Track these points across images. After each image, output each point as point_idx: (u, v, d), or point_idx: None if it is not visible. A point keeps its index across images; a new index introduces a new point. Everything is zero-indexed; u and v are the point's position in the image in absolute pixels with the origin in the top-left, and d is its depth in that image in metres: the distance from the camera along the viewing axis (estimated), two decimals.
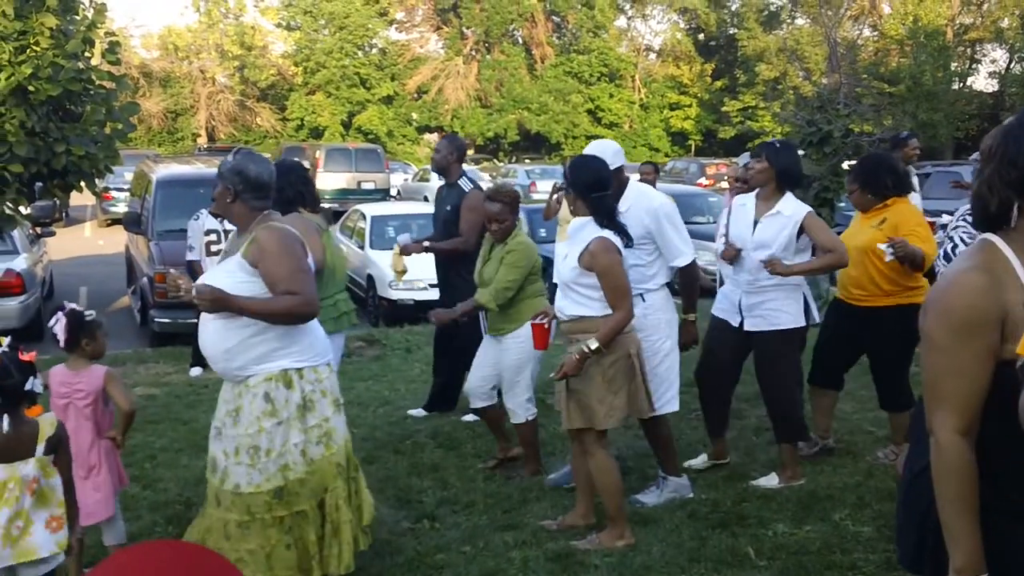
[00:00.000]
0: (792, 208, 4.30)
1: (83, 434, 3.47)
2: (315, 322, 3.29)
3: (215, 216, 7.43)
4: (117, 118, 7.84)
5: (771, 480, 4.47)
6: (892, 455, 4.82)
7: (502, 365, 4.60)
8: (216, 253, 7.44)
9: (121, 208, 18.29)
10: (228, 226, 7.49)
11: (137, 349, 8.54)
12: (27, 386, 2.81)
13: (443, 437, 5.30)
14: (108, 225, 20.08)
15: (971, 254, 1.82)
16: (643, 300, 4.11)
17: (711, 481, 4.54)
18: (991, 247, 1.79)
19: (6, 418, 2.78)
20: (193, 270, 7.52)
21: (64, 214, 19.45)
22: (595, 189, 3.75)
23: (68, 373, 3.48)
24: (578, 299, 3.74)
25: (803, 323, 4.38)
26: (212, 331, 3.20)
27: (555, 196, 5.06)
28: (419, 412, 5.90)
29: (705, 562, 3.64)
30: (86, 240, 18.36)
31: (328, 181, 21.92)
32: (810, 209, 4.34)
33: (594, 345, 3.60)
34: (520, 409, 4.60)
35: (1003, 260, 1.75)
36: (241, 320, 3.12)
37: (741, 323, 4.42)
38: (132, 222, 9.95)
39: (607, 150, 4.23)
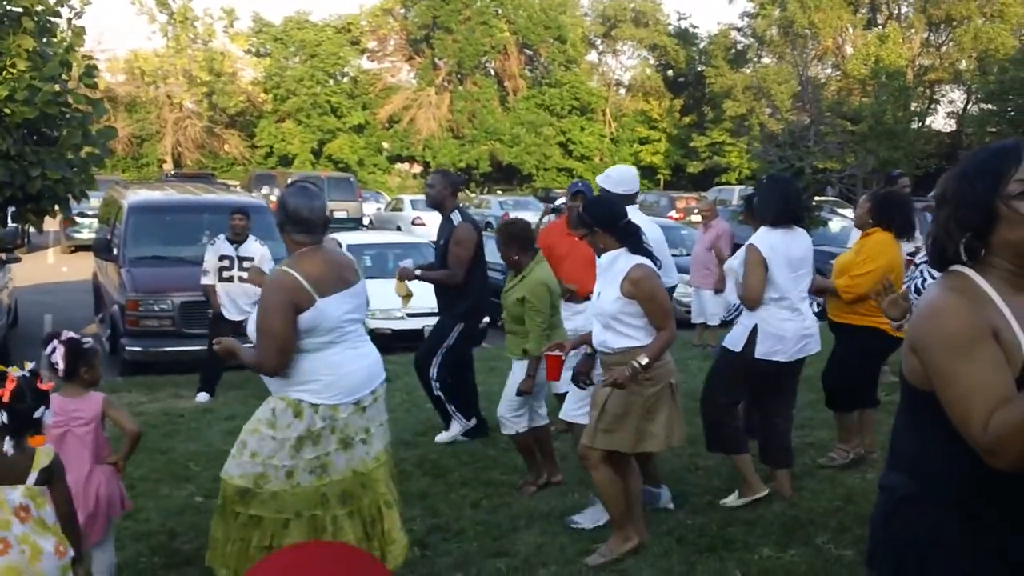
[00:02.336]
0: (752, 240, 4.49)
1: (82, 461, 3.42)
2: (346, 361, 3.27)
3: (231, 242, 7.44)
4: (93, 142, 7.78)
5: (735, 499, 4.57)
6: (839, 455, 5.17)
7: (511, 383, 4.76)
8: (229, 279, 7.40)
9: (85, 234, 18.05)
10: (242, 252, 7.47)
11: (107, 379, 8.39)
12: (36, 413, 2.80)
13: (429, 465, 5.29)
14: (72, 251, 19.76)
15: (942, 282, 1.81)
16: None
17: (697, 506, 4.58)
18: (962, 276, 1.80)
19: (8, 440, 2.76)
20: (208, 294, 7.46)
21: (26, 240, 19.14)
22: (618, 219, 3.85)
23: (65, 400, 3.40)
24: (623, 330, 3.77)
25: (736, 349, 4.48)
26: None
27: (546, 218, 5.19)
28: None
29: None
30: (49, 267, 18.04)
31: None
32: (751, 243, 4.46)
33: (645, 361, 3.65)
34: (509, 422, 4.78)
35: (976, 286, 1.76)
36: None
37: None
38: (102, 248, 9.82)
39: (627, 175, 4.56)
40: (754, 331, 4.40)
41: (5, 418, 2.75)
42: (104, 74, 40.41)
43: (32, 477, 2.79)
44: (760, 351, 4.39)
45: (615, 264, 3.82)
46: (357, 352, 3.32)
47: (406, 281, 5.67)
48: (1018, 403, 1.60)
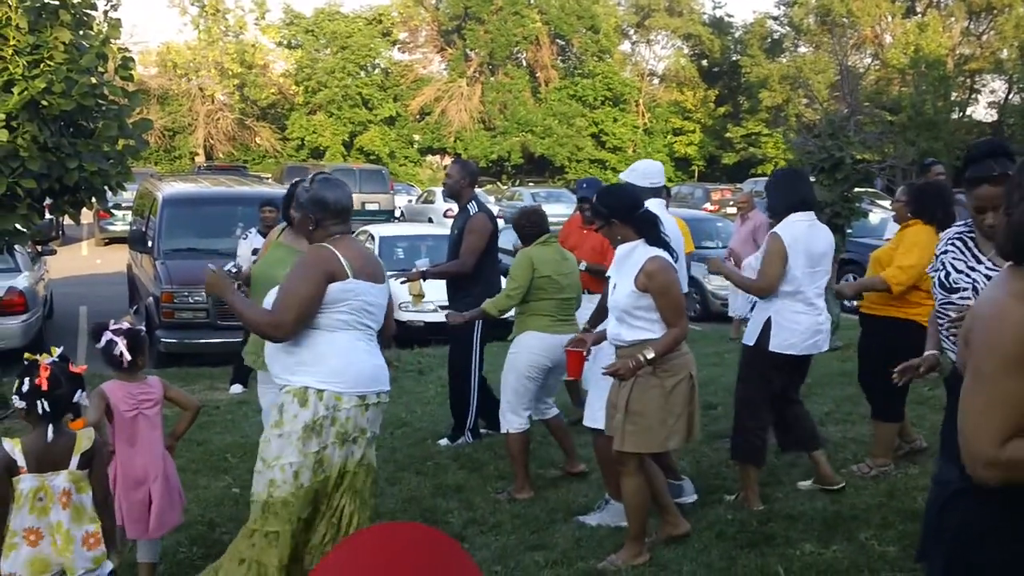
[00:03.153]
0: (776, 229, 4.43)
1: (156, 441, 3.51)
2: (358, 351, 3.21)
3: (263, 235, 7.45)
4: (129, 134, 7.80)
5: (731, 498, 4.51)
6: (867, 468, 4.90)
7: (506, 373, 4.76)
8: None
9: (119, 227, 18.27)
10: None
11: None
12: (75, 398, 2.83)
13: (465, 459, 5.26)
14: (105, 244, 20.01)
15: (1013, 283, 1.76)
16: None
17: (736, 501, 4.50)
18: None
19: (50, 427, 2.78)
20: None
21: (60, 232, 19.41)
22: (636, 209, 3.77)
23: (130, 386, 3.49)
24: (637, 323, 3.69)
25: (750, 343, 4.42)
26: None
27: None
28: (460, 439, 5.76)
29: None
30: (83, 259, 18.29)
31: None
32: (774, 232, 4.39)
33: (651, 355, 3.57)
34: (502, 417, 4.72)
35: None
36: None
37: None
38: (137, 240, 9.91)
39: (652, 168, 4.51)
40: (767, 324, 4.34)
41: (46, 406, 2.77)
42: (137, 67, 40.63)
43: (74, 461, 2.83)
44: (774, 344, 4.33)
45: (631, 256, 3.73)
46: (369, 350, 3.26)
47: (419, 281, 5.64)
48: None
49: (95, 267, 16.67)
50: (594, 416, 4.26)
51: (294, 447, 3.10)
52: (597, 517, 4.27)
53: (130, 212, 13.93)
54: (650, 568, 3.72)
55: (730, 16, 46.37)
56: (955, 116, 34.56)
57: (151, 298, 9.09)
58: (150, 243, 9.56)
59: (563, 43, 44.97)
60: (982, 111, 39.70)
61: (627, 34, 47.11)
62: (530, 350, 4.63)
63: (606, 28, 43.36)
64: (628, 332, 3.70)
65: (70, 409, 2.84)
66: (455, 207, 6.00)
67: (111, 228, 19.57)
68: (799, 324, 4.33)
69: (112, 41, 7.77)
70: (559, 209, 20.54)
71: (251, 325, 3.22)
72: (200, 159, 39.40)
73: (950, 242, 3.32)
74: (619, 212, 3.74)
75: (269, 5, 46.56)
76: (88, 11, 7.45)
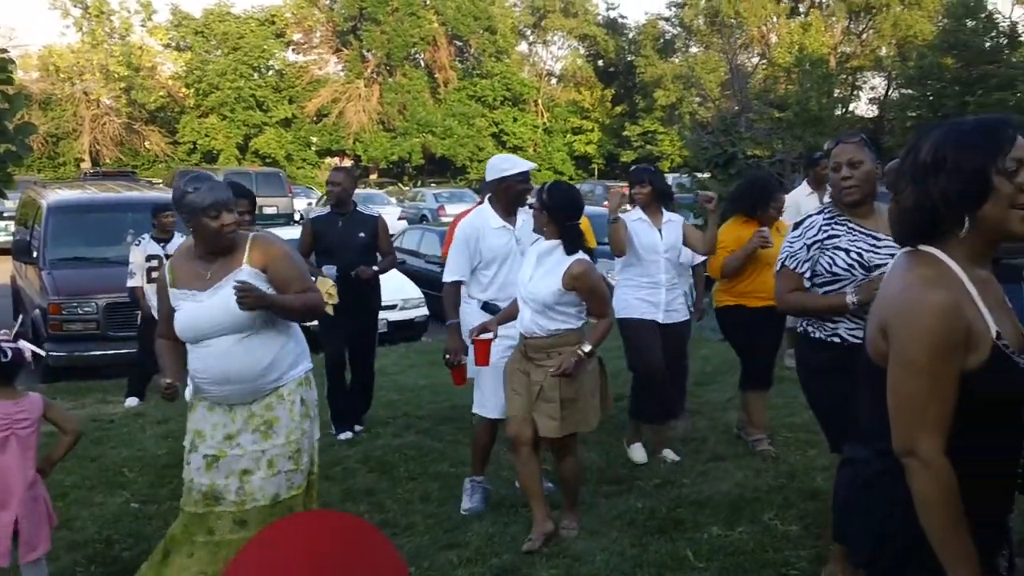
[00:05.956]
0: (676, 217, 5.19)
1: (28, 464, 3.28)
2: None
3: (157, 240, 7.14)
4: (11, 139, 7.43)
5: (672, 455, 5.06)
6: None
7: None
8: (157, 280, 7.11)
9: (0, 237, 17.32)
10: (171, 250, 7.18)
11: (29, 385, 8.04)
12: None
13: (374, 462, 5.20)
14: None
15: (920, 269, 1.78)
16: None
17: (645, 490, 4.60)
18: (935, 261, 1.78)
19: None
20: (135, 296, 7.15)
21: None
22: (571, 217, 3.85)
23: (6, 404, 3.24)
24: (558, 316, 3.84)
25: None
26: (244, 352, 3.13)
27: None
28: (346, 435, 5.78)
29: (648, 567, 3.69)
30: None
31: None
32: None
33: (588, 348, 3.80)
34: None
35: (952, 274, 1.76)
36: (273, 332, 3.17)
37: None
38: (21, 250, 9.44)
39: (504, 161, 4.45)
40: None
41: None
42: (17, 71, 38.49)
43: None
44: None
45: (553, 254, 3.86)
46: None
47: (333, 287, 5.52)
48: (961, 506, 1.71)
49: None
50: (484, 404, 4.29)
51: (316, 424, 3.36)
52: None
53: (12, 222, 13.23)
54: (564, 560, 3.75)
55: (623, 17, 47.37)
56: (839, 112, 36.10)
57: (37, 310, 8.67)
58: (35, 253, 9.12)
59: (461, 44, 44.96)
60: (864, 107, 41.67)
61: (524, 35, 47.46)
62: None
63: (503, 29, 43.55)
64: (548, 323, 3.84)
65: None
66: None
67: None
68: None
69: None
70: (461, 209, 20.58)
71: (309, 311, 3.26)
72: (86, 165, 37.71)
73: (827, 226, 3.29)
74: (554, 211, 3.81)
75: (156, 6, 44.94)
76: None
